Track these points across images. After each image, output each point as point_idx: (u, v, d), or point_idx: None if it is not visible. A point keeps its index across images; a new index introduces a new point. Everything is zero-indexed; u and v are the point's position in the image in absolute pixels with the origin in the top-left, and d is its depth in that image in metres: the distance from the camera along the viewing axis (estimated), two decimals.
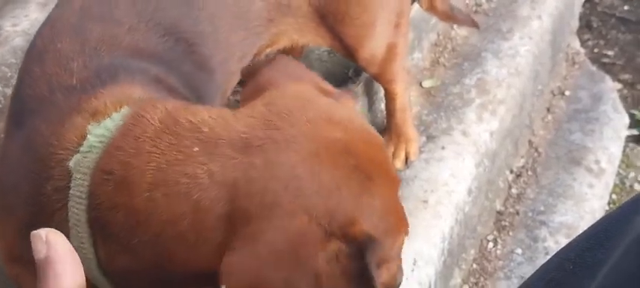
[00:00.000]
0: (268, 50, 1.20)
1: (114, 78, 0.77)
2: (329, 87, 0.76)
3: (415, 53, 1.79)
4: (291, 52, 1.64)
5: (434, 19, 1.86)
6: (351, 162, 0.63)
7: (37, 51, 0.84)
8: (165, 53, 0.87)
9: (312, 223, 0.58)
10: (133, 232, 0.63)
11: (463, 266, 1.58)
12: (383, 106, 1.56)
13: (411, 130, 1.51)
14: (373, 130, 0.73)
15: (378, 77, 1.46)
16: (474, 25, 1.64)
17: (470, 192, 1.52)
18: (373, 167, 0.65)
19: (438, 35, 1.89)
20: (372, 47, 1.37)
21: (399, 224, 0.67)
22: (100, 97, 0.73)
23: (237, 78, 1.07)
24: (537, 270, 0.78)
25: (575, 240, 0.74)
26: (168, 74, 0.85)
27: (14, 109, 0.82)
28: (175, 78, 0.86)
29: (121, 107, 0.71)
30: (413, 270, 1.33)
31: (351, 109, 0.73)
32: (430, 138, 1.59)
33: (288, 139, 0.62)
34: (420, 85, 1.75)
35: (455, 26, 1.94)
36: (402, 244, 0.68)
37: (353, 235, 0.59)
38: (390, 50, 1.39)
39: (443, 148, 1.55)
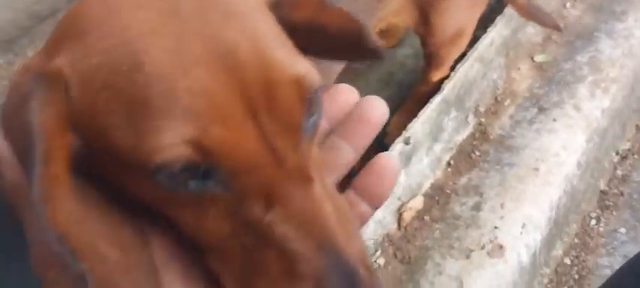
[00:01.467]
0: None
1: None
2: None
3: (528, 28, 1.81)
4: (386, 34, 1.73)
5: None
6: None
7: None
8: None
9: None
10: None
11: (565, 239, 1.60)
12: None
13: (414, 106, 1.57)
14: None
15: (431, 56, 1.54)
16: (556, 27, 1.65)
17: (579, 165, 1.53)
18: None
19: (551, 12, 1.89)
20: (447, 26, 1.44)
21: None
22: None
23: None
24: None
25: None
26: None
27: None
28: None
29: None
30: (521, 233, 1.36)
31: None
32: (541, 110, 1.61)
33: None
34: (532, 59, 1.77)
35: (567, 4, 1.95)
36: None
37: None
38: (458, 33, 1.48)
39: (554, 120, 1.57)
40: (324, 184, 0.44)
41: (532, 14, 1.62)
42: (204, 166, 0.40)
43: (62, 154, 0.40)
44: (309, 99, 0.43)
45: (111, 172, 0.43)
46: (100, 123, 0.40)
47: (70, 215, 0.40)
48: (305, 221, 0.41)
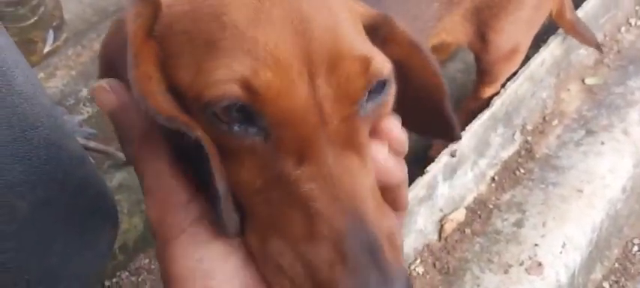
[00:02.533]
0: None
1: None
2: None
3: (581, 50, 1.81)
4: (438, 50, 1.75)
5: (603, 19, 1.88)
6: None
7: None
8: None
9: None
10: None
11: (605, 263, 1.60)
12: None
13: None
14: None
15: (484, 73, 1.55)
16: (598, 47, 1.68)
17: (624, 190, 1.54)
18: None
19: (605, 36, 1.90)
20: (504, 44, 1.45)
21: None
22: None
23: None
24: None
25: None
26: None
27: None
28: None
29: None
30: (561, 252, 1.38)
31: None
32: (589, 132, 1.61)
33: None
34: (583, 81, 1.78)
35: (622, 29, 1.94)
36: None
37: None
38: (514, 51, 1.50)
39: (602, 143, 1.57)
40: (365, 165, 0.46)
41: (578, 31, 1.63)
42: (250, 108, 0.43)
43: (150, 57, 0.46)
44: (373, 83, 0.46)
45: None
46: (170, 63, 0.45)
47: (169, 104, 0.44)
48: (333, 184, 0.43)
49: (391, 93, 0.49)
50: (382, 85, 0.47)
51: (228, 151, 0.44)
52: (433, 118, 0.58)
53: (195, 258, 0.43)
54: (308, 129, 0.43)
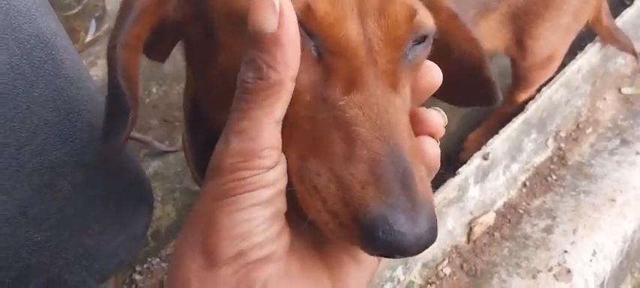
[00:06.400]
0: None
1: None
2: None
3: (618, 59, 1.79)
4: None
5: None
6: None
7: None
8: None
9: None
10: None
11: (636, 274, 1.58)
12: None
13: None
14: None
15: (520, 78, 1.55)
16: (634, 53, 1.65)
17: None
18: None
19: None
20: (541, 50, 1.44)
21: None
22: None
23: None
24: None
25: None
26: None
27: None
28: None
29: None
30: (591, 260, 1.37)
31: None
32: (624, 142, 1.60)
33: None
34: (619, 90, 1.76)
35: None
36: None
37: None
38: (550, 58, 1.50)
39: (637, 153, 1.56)
40: (405, 109, 0.49)
41: (615, 38, 1.62)
42: (307, 29, 0.46)
43: (150, 19, 0.55)
44: (418, 32, 0.50)
45: (208, 49, 0.54)
46: None
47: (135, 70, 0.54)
48: (377, 114, 0.46)
49: (428, 49, 0.53)
50: (423, 38, 0.51)
51: None
52: (473, 86, 0.62)
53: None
54: (358, 61, 0.47)
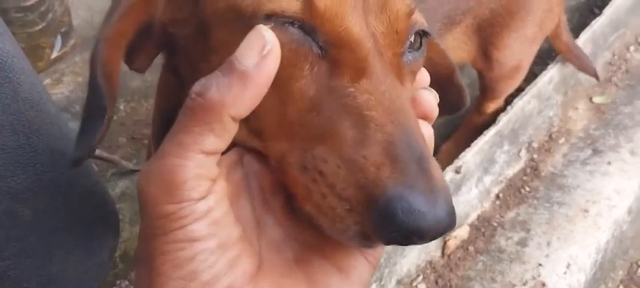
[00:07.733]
0: None
1: None
2: None
3: None
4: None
5: (612, 37, 1.87)
6: None
7: None
8: None
9: None
10: None
11: (609, 284, 1.59)
12: None
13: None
14: None
15: (487, 89, 1.56)
16: (594, 74, 1.68)
17: (630, 211, 1.52)
18: None
19: (614, 55, 1.89)
20: (507, 61, 1.46)
21: None
22: None
23: None
24: None
25: None
26: None
27: None
28: None
29: None
30: (565, 273, 1.37)
31: None
32: (596, 152, 1.61)
33: None
34: (590, 100, 1.77)
35: (631, 48, 1.94)
36: None
37: None
38: (516, 68, 1.52)
39: (609, 163, 1.56)
40: (410, 103, 0.50)
41: (573, 53, 1.63)
42: (308, 25, 0.47)
43: (137, 17, 0.54)
44: (415, 27, 0.52)
45: (199, 52, 0.53)
46: None
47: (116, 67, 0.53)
48: (389, 99, 0.45)
49: (423, 54, 0.54)
50: (419, 44, 0.53)
51: (284, 56, 0.46)
52: (445, 95, 0.62)
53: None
54: (365, 51, 0.47)
